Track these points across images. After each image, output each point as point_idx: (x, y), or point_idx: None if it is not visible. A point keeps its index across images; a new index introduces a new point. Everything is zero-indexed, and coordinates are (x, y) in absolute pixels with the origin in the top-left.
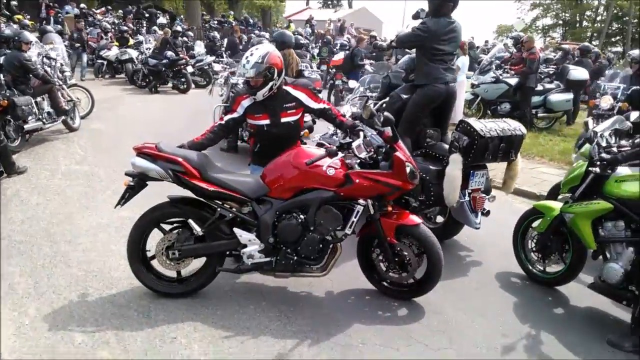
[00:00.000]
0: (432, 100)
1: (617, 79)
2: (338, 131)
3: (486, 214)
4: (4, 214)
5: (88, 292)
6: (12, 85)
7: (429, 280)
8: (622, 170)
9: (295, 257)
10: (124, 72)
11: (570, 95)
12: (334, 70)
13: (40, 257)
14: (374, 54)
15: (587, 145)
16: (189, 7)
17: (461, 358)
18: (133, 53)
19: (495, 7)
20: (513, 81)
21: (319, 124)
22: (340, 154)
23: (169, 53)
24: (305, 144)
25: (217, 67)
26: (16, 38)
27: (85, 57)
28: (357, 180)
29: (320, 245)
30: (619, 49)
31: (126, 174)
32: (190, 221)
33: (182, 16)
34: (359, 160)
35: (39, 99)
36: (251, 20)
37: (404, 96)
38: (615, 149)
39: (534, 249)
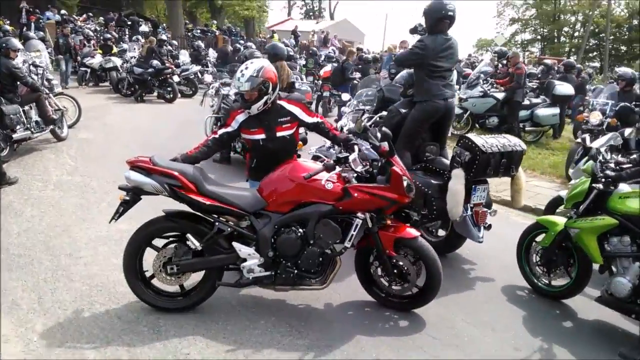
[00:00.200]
0: (431, 115)
1: (601, 95)
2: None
3: (488, 227)
4: None
5: (94, 307)
6: (0, 93)
7: (428, 292)
8: (623, 187)
9: (296, 271)
10: (109, 81)
11: (556, 110)
12: (320, 82)
13: (41, 271)
14: (360, 66)
15: (590, 162)
16: (172, 15)
17: None
18: (117, 61)
19: (474, 21)
20: (500, 95)
21: (315, 137)
22: (337, 168)
23: (155, 62)
24: (299, 156)
25: (208, 78)
26: (4, 45)
27: (69, 65)
28: (356, 194)
29: (320, 259)
30: (597, 64)
31: (120, 188)
32: (189, 236)
33: (164, 24)
34: (355, 174)
35: (26, 107)
36: (234, 30)
37: (403, 111)
38: (612, 165)
39: (538, 262)
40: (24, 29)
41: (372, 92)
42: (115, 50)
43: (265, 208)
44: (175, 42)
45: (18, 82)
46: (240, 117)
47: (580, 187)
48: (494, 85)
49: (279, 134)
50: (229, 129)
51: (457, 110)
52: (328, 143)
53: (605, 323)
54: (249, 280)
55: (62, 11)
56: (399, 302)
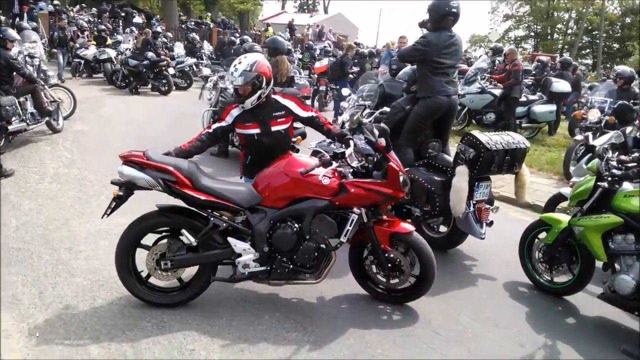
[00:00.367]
0: (435, 111)
1: (596, 92)
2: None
3: (490, 224)
4: None
5: (96, 303)
6: None
7: (422, 286)
8: (627, 185)
9: (291, 266)
10: (103, 72)
11: (553, 107)
12: (315, 75)
13: (41, 266)
14: (356, 60)
15: (595, 160)
16: (166, 7)
17: None
18: (111, 53)
19: (468, 17)
20: (498, 92)
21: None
22: (334, 164)
23: (150, 54)
24: (298, 150)
25: (206, 71)
26: (1, 36)
27: (66, 58)
28: (352, 190)
29: (316, 254)
30: (589, 61)
31: (113, 183)
32: (184, 231)
33: (157, 16)
34: (351, 170)
35: (22, 99)
36: (228, 23)
37: (406, 107)
38: (615, 163)
39: (541, 259)
40: (16, 19)
41: (372, 88)
42: (109, 41)
43: (260, 203)
44: (170, 34)
45: (14, 73)
46: (235, 112)
47: (585, 185)
48: (491, 82)
49: (273, 128)
50: (223, 124)
51: None
52: (360, 141)
53: (607, 320)
54: (243, 275)
55: (55, 2)
56: (393, 296)
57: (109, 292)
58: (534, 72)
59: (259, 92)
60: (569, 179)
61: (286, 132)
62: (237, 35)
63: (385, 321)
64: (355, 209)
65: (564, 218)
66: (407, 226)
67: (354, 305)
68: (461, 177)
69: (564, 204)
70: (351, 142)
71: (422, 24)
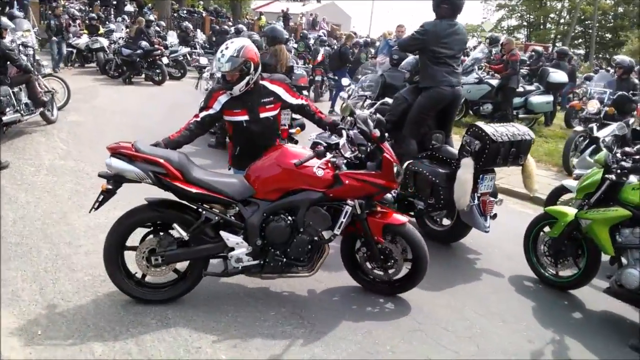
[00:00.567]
0: (438, 102)
1: (592, 83)
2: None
3: (493, 217)
4: None
5: (99, 299)
6: None
7: (415, 277)
8: (633, 178)
9: (284, 259)
10: (95, 62)
11: (550, 97)
12: (310, 65)
13: (41, 261)
14: (350, 49)
15: (603, 152)
16: None
17: None
18: (104, 42)
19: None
20: (495, 82)
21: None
22: (328, 155)
23: (144, 43)
24: (296, 142)
25: (203, 60)
26: None
27: (64, 47)
28: (347, 181)
29: (309, 247)
30: (581, 51)
31: (100, 176)
32: (175, 225)
33: (149, 5)
34: (345, 161)
35: (16, 89)
36: (221, 11)
37: (409, 97)
38: (619, 155)
39: (546, 253)
40: (6, 7)
41: (374, 78)
42: (101, 30)
43: (253, 195)
44: (163, 22)
45: (8, 63)
46: (223, 98)
47: (592, 178)
48: (488, 72)
49: (262, 115)
50: (211, 111)
51: None
52: (353, 131)
53: (613, 314)
54: (236, 270)
55: None
56: (386, 287)
57: (111, 288)
58: (528, 62)
59: (247, 78)
60: (568, 171)
61: (274, 119)
62: (230, 24)
63: (391, 316)
64: (349, 201)
65: (570, 211)
66: (400, 217)
67: (359, 300)
68: (466, 170)
69: (566, 197)
70: (344, 132)
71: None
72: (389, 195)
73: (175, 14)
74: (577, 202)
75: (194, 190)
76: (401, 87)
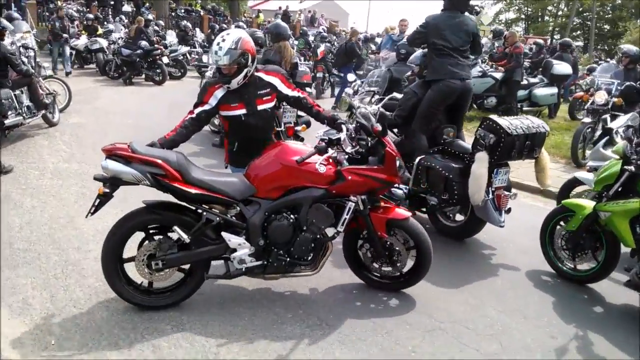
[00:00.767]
0: (447, 96)
1: (604, 73)
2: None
3: (508, 211)
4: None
5: (112, 305)
6: None
7: (419, 272)
8: None
9: (288, 259)
10: (95, 63)
11: (554, 90)
12: (312, 62)
13: (50, 267)
14: (356, 44)
15: (621, 143)
16: None
17: None
18: (103, 42)
19: None
20: (499, 75)
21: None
22: (330, 151)
23: (143, 43)
24: (302, 139)
25: (205, 58)
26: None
27: (67, 49)
28: (350, 177)
29: (312, 245)
30: (580, 43)
31: (96, 179)
32: (176, 228)
33: (147, 4)
34: (347, 156)
35: (17, 92)
36: (218, 10)
37: (419, 92)
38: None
39: (564, 247)
40: (3, 9)
41: (381, 74)
42: (100, 31)
43: (254, 195)
44: (161, 22)
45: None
46: (219, 93)
47: (610, 170)
48: (492, 65)
49: (259, 107)
50: (206, 107)
51: None
52: (352, 125)
53: (633, 307)
54: (239, 271)
55: None
56: (390, 283)
57: None
58: (530, 55)
59: (245, 71)
60: (577, 163)
61: (272, 111)
62: (228, 22)
63: (410, 315)
64: (352, 197)
65: (588, 204)
66: (403, 212)
67: (375, 299)
68: (481, 164)
69: (579, 189)
70: (343, 127)
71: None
72: (399, 192)
73: (173, 13)
74: (591, 194)
75: (193, 191)
76: (411, 82)
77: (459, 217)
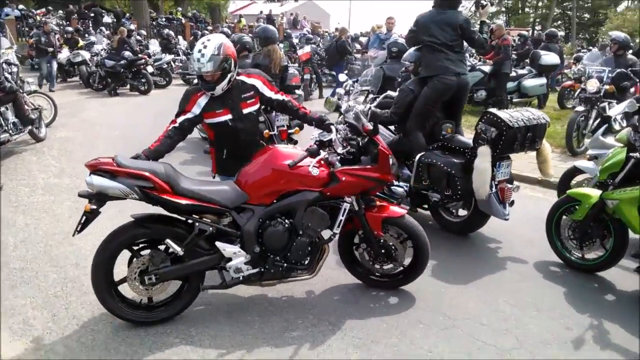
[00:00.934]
0: (443, 93)
1: (585, 63)
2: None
3: (511, 204)
4: None
5: (116, 321)
6: None
7: (417, 268)
8: None
9: (285, 264)
10: (78, 75)
11: (543, 80)
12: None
13: (49, 285)
14: (346, 41)
15: (625, 130)
16: (136, 4)
17: (539, 359)
18: (86, 55)
19: None
20: (487, 68)
21: None
22: (322, 152)
23: (127, 53)
24: (296, 142)
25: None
26: None
27: (55, 65)
28: (344, 178)
29: (309, 249)
30: (562, 32)
31: (81, 196)
32: (169, 241)
33: (127, 15)
34: (339, 157)
35: (2, 108)
36: (199, 17)
37: (415, 89)
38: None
39: (571, 236)
40: None
41: (376, 73)
42: (81, 43)
43: (246, 201)
44: (143, 31)
45: None
46: (202, 101)
47: (615, 157)
48: (480, 59)
49: (245, 111)
50: (189, 115)
51: None
52: (341, 126)
53: None
54: (236, 280)
55: (20, 6)
56: (388, 281)
57: None
58: (514, 47)
59: (229, 76)
60: (572, 152)
61: (257, 114)
62: (210, 28)
63: (423, 313)
64: (346, 198)
65: (594, 193)
66: (398, 209)
67: (383, 298)
68: (484, 158)
69: (579, 178)
70: (333, 127)
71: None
72: (400, 189)
73: (154, 22)
74: (592, 182)
75: (184, 201)
76: (405, 78)
77: (462, 212)
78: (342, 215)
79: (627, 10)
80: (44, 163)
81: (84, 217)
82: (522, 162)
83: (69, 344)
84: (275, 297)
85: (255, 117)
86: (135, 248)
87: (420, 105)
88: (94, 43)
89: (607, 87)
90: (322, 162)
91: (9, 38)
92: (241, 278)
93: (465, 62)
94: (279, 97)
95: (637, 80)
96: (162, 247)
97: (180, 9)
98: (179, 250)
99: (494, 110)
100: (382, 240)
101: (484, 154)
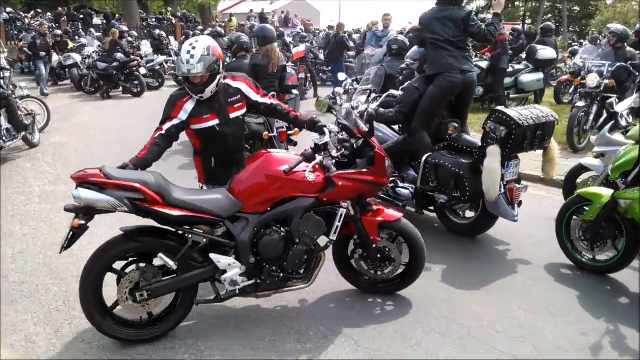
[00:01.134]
0: (449, 91)
1: (581, 57)
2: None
3: (519, 204)
4: None
5: None
6: None
7: (414, 272)
8: None
9: (281, 274)
10: (69, 78)
11: (540, 75)
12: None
13: (51, 299)
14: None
15: (635, 128)
16: (126, 5)
17: None
18: (77, 57)
19: None
20: (484, 64)
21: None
22: (318, 157)
23: (119, 55)
24: (296, 144)
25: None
26: None
27: (49, 67)
28: (340, 183)
29: (305, 257)
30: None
31: (67, 210)
32: (161, 255)
33: (117, 16)
34: (334, 161)
35: None
36: (190, 17)
37: (421, 87)
38: None
39: (582, 238)
40: None
41: (376, 71)
42: (71, 45)
43: (240, 210)
44: (134, 33)
45: None
46: (189, 106)
47: (628, 156)
48: (477, 54)
49: (232, 115)
50: (175, 122)
51: None
52: (335, 128)
53: None
54: (232, 293)
55: (9, 9)
56: (385, 286)
57: None
58: (508, 42)
59: (218, 78)
60: (573, 148)
61: (243, 119)
62: (201, 28)
63: (436, 322)
64: (342, 203)
65: (606, 192)
66: (394, 213)
67: (397, 307)
68: (493, 158)
69: (585, 176)
70: (325, 130)
71: None
72: (406, 191)
73: (144, 23)
74: (598, 180)
75: (176, 213)
76: (407, 77)
77: (469, 214)
78: (339, 222)
79: (617, 1)
80: (39, 170)
81: (71, 233)
82: (524, 160)
83: None
84: (283, 306)
85: (241, 121)
86: (121, 267)
87: (425, 104)
88: (84, 45)
89: (607, 81)
90: (317, 166)
91: None
92: (237, 291)
93: (470, 58)
94: (266, 100)
95: (638, 73)
96: (156, 262)
97: (170, 9)
98: (172, 264)
99: (502, 108)
100: (379, 245)
101: (494, 153)
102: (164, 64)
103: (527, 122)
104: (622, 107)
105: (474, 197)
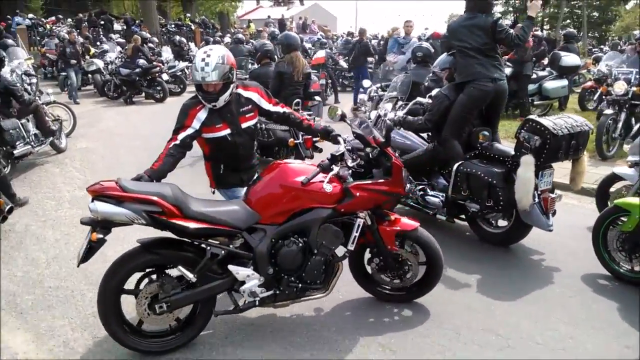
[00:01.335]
0: (481, 100)
1: (605, 64)
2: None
3: (554, 214)
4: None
5: None
6: None
7: (431, 280)
8: None
9: (300, 285)
10: (93, 84)
11: (564, 82)
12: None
13: (87, 305)
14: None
15: None
16: (145, 11)
17: None
18: (100, 63)
19: None
20: (508, 71)
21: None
22: (335, 168)
23: (142, 61)
24: (321, 150)
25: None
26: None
27: (79, 75)
28: (358, 194)
29: (324, 267)
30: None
31: (83, 223)
32: (181, 267)
33: (137, 21)
34: (350, 171)
35: (23, 120)
36: (208, 23)
37: (451, 95)
38: None
39: (619, 248)
40: None
41: (403, 79)
42: (92, 51)
43: (258, 221)
44: (155, 39)
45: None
46: (202, 115)
47: None
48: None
49: (243, 125)
50: (189, 131)
51: None
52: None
53: None
54: (251, 304)
55: (30, 15)
56: (403, 295)
57: None
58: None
59: (231, 87)
60: (602, 156)
61: (255, 128)
62: (220, 34)
63: (475, 333)
64: (359, 213)
65: None
66: (411, 222)
67: (434, 317)
68: (527, 168)
69: (618, 185)
70: (340, 139)
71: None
72: (436, 200)
73: (164, 29)
74: (632, 190)
75: (194, 225)
76: (437, 85)
77: (502, 223)
78: (356, 231)
79: (638, 7)
80: (68, 175)
81: (88, 246)
82: None
83: None
84: (317, 314)
85: (252, 131)
86: (134, 284)
87: (456, 112)
88: (106, 51)
89: (635, 88)
90: (334, 177)
91: (22, 48)
92: (257, 302)
93: (501, 66)
94: (279, 109)
95: None
96: (170, 272)
97: (188, 15)
98: (191, 277)
99: (535, 117)
100: (396, 255)
101: (528, 163)
102: (185, 69)
103: (561, 132)
104: None
105: (507, 207)
